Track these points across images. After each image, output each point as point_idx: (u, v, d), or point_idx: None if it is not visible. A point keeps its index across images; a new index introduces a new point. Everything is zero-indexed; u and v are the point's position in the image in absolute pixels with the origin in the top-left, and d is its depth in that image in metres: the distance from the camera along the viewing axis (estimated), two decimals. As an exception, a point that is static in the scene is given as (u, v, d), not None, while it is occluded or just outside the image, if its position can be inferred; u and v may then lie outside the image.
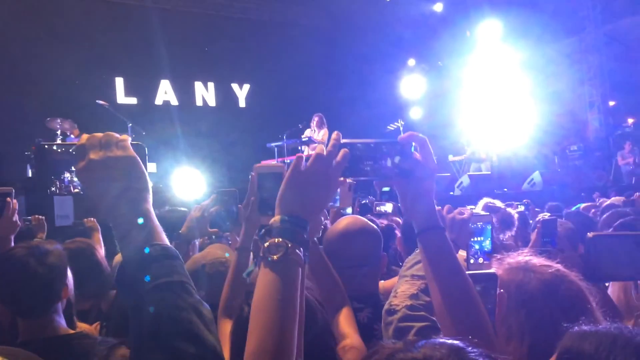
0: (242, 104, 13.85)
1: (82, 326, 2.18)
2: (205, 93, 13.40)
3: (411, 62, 15.13)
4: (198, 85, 13.30)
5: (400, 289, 1.69)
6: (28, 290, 1.84)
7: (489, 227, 1.57)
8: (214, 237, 2.89)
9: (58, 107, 9.41)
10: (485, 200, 3.94)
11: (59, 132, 8.58)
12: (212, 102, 13.46)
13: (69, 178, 7.01)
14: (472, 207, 2.96)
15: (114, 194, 1.00)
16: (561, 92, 12.99)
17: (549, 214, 3.42)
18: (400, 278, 1.78)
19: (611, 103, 13.55)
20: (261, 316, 0.97)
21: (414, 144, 1.19)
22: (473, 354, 0.74)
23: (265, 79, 13.42)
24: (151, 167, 8.85)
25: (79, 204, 6.11)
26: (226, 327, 1.60)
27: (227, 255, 2.35)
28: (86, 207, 5.47)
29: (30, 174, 8.16)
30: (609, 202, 5.40)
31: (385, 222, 3.82)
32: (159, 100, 12.70)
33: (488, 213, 1.91)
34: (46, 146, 7.11)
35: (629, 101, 13.05)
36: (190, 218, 2.55)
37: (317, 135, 9.86)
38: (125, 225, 0.99)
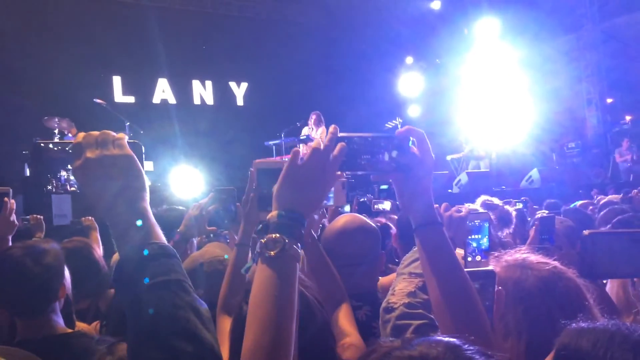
0: (240, 102, 13.84)
1: (80, 325, 2.18)
2: (203, 91, 13.39)
3: (409, 59, 15.13)
4: (196, 84, 13.28)
5: (398, 286, 1.69)
6: (25, 291, 1.83)
7: (487, 224, 1.56)
8: (212, 235, 2.89)
9: (55, 106, 9.38)
10: (483, 197, 3.94)
11: (56, 131, 8.56)
12: (209, 101, 13.45)
13: (66, 176, 7.00)
14: (471, 204, 2.96)
15: (112, 193, 1.00)
16: (559, 89, 13.00)
17: (547, 212, 3.42)
18: (397, 276, 1.78)
19: (609, 100, 13.58)
20: (258, 312, 0.97)
21: (411, 138, 1.18)
22: (469, 352, 0.74)
23: (263, 77, 13.41)
24: (148, 165, 8.85)
25: (77, 202, 6.11)
26: (225, 324, 1.60)
27: (226, 257, 2.34)
28: (84, 205, 5.46)
29: (28, 173, 8.15)
30: (606, 199, 5.41)
31: (383, 220, 3.82)
32: (156, 99, 12.69)
33: (486, 211, 1.91)
34: (42, 144, 7.09)
35: (627, 98, 13.09)
36: (189, 216, 2.54)
37: (315, 133, 9.86)
38: (123, 224, 0.99)
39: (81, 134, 1.04)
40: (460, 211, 1.68)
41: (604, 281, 2.18)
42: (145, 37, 11.17)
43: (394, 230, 3.18)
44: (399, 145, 1.17)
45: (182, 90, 13.04)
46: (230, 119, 12.79)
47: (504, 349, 1.24)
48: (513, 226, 3.68)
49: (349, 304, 1.81)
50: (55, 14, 10.79)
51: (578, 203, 5.36)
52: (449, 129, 13.35)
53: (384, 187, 9.59)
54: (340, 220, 2.20)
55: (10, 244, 2.25)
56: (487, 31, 13.36)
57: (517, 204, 5.07)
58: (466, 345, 0.75)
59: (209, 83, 13.43)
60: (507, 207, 3.85)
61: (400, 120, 13.01)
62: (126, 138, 1.06)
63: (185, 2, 12.90)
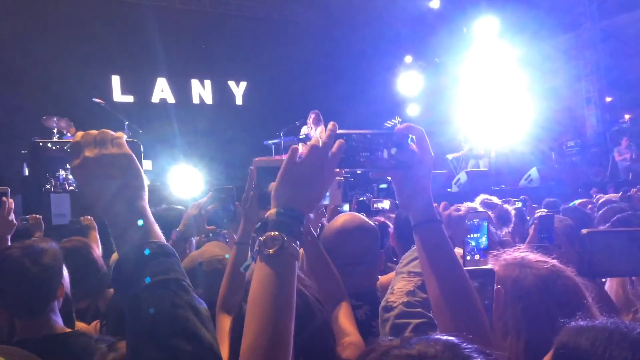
0: (239, 101, 13.84)
1: (79, 325, 2.18)
2: (202, 91, 13.39)
3: (408, 59, 15.13)
4: (195, 83, 13.28)
5: (397, 285, 1.69)
6: (23, 291, 1.83)
7: (485, 223, 1.56)
8: (210, 234, 2.89)
9: (54, 105, 9.36)
10: (482, 196, 3.94)
11: (55, 131, 8.55)
12: (209, 100, 13.44)
13: (64, 175, 6.99)
14: (470, 203, 2.96)
15: (111, 192, 1.00)
16: (558, 88, 13.01)
17: (546, 211, 3.42)
18: (396, 275, 1.78)
19: (608, 99, 13.58)
20: (257, 310, 0.96)
21: (411, 135, 1.17)
22: (468, 350, 0.74)
23: (262, 77, 13.40)
24: (146, 164, 8.84)
25: (76, 202, 6.11)
26: (224, 323, 1.60)
27: (227, 256, 2.34)
28: (83, 205, 5.46)
29: (27, 173, 8.14)
30: (605, 198, 5.41)
31: (381, 219, 3.82)
32: (155, 98, 12.68)
33: (485, 209, 1.91)
34: (41, 144, 7.08)
35: (626, 97, 13.10)
36: (188, 216, 2.54)
37: (314, 133, 9.85)
38: (122, 223, 0.99)
39: (79, 133, 1.04)
40: (459, 210, 1.68)
41: (603, 280, 2.18)
42: (144, 36, 11.17)
43: (392, 228, 3.18)
44: (398, 142, 1.16)
45: (181, 89, 13.03)
46: (229, 118, 12.78)
47: (503, 348, 1.24)
48: (512, 225, 3.68)
49: (349, 303, 1.81)
50: (55, 14, 10.78)
51: (577, 202, 5.36)
52: (448, 128, 13.35)
53: (383, 186, 9.60)
54: (340, 220, 2.19)
55: (9, 243, 2.25)
56: (486, 30, 13.36)
57: (516, 202, 5.07)
58: (464, 344, 0.75)
59: (208, 82, 13.43)
60: (506, 206, 3.84)
61: (400, 120, 13.01)
62: (125, 137, 1.06)
63: (184, 2, 12.88)
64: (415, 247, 1.30)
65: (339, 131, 1.11)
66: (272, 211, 1.03)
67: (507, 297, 1.28)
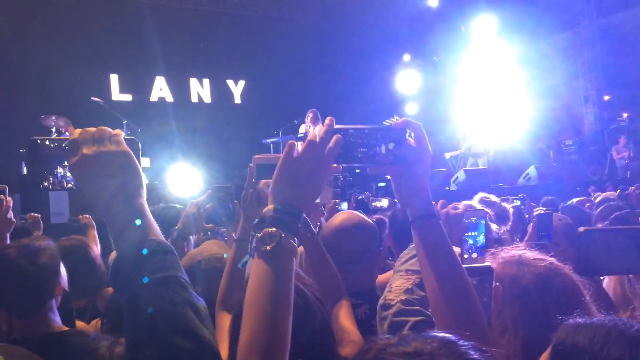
0: (237, 100, 13.83)
1: (78, 324, 2.18)
2: (200, 89, 13.37)
3: (406, 57, 15.13)
4: (193, 82, 13.26)
5: (395, 283, 1.69)
6: (20, 290, 1.83)
7: (483, 222, 1.56)
8: (209, 233, 2.89)
9: (53, 104, 9.34)
10: (480, 195, 3.94)
11: (53, 130, 8.53)
12: (207, 99, 13.43)
13: (62, 173, 6.98)
14: (468, 201, 2.96)
15: (109, 190, 0.99)
16: (556, 86, 13.03)
17: (544, 209, 3.42)
18: (394, 273, 1.78)
19: (606, 97, 13.59)
20: (254, 307, 0.96)
21: (408, 130, 1.17)
22: (464, 347, 0.74)
23: (260, 75, 13.39)
24: (145, 162, 8.84)
25: (74, 200, 6.09)
26: (224, 321, 1.60)
27: (225, 256, 2.34)
28: (82, 203, 5.45)
29: (25, 172, 8.13)
30: (602, 196, 5.42)
31: (379, 216, 3.81)
32: (154, 97, 12.66)
33: (482, 208, 1.91)
34: (39, 141, 7.06)
35: (624, 95, 13.10)
36: (186, 214, 2.54)
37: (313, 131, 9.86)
38: (120, 222, 0.98)
39: (77, 130, 1.03)
40: (456, 208, 1.68)
41: (601, 277, 2.18)
42: (142, 35, 11.14)
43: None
44: (396, 137, 1.16)
45: (180, 88, 13.02)
46: (227, 117, 12.78)
47: (501, 345, 1.24)
48: (510, 223, 3.68)
49: (349, 301, 1.81)
50: (53, 13, 10.74)
51: (575, 200, 5.36)
52: (447, 126, 13.35)
53: (382, 184, 9.59)
54: (338, 218, 2.19)
55: (8, 241, 2.25)
56: (484, 29, 13.37)
57: (515, 201, 5.07)
58: (461, 341, 0.75)
59: (206, 81, 13.42)
60: (504, 204, 3.84)
61: (398, 119, 12.99)
62: (123, 134, 1.05)
63: (182, 0, 12.86)
64: (413, 245, 1.30)
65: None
66: (270, 207, 1.03)
67: (505, 295, 1.28)
